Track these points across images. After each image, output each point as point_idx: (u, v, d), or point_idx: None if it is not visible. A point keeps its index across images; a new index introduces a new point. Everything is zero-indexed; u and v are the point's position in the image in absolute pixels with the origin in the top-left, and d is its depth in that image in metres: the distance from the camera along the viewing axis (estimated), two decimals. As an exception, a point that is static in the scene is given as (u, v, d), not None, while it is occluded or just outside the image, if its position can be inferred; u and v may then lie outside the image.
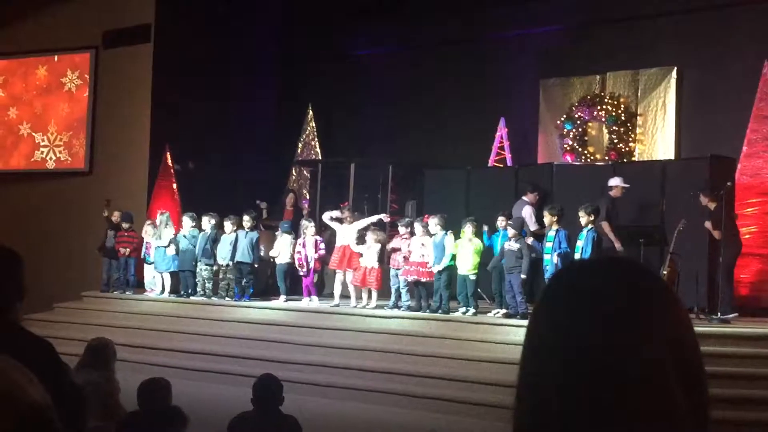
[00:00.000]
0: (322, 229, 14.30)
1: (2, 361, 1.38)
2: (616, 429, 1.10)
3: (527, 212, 12.87)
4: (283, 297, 13.63)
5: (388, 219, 13.91)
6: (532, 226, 12.65)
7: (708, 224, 11.40)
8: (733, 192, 11.99)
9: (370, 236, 12.79)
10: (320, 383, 10.94)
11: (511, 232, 11.54)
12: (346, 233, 13.15)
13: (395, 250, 12.56)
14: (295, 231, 13.81)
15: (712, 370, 8.54)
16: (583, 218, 10.96)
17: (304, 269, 13.26)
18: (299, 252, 13.24)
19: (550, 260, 10.92)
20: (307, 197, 17.77)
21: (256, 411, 5.61)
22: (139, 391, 5.54)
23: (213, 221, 14.06)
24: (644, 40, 15.21)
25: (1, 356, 1.40)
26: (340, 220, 13.36)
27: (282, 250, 13.58)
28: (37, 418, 1.34)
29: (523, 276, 11.27)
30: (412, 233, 12.41)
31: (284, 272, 13.64)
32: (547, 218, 11.27)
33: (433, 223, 12.09)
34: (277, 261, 13.71)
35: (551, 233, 11.11)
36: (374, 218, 13.56)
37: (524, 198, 13.18)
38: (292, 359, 11.51)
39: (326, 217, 13.61)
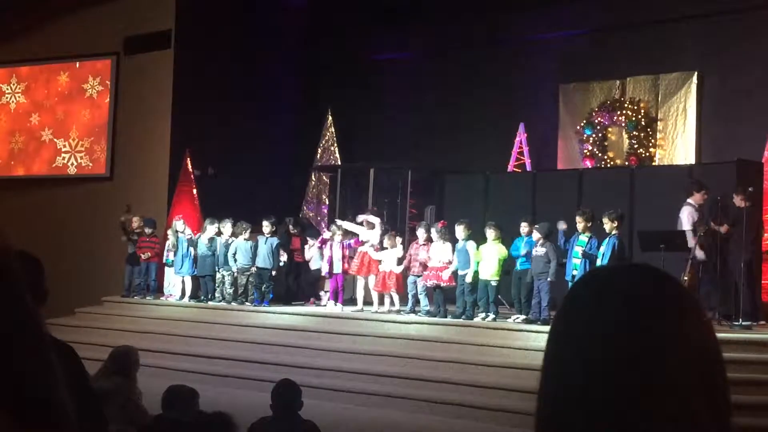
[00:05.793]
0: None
1: None
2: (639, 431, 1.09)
3: (685, 213, 11.60)
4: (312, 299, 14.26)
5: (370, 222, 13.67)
6: (687, 226, 11.44)
7: (712, 224, 11.15)
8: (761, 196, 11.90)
9: (387, 241, 12.80)
10: (339, 388, 10.93)
11: (536, 236, 11.49)
12: (364, 240, 13.18)
13: (413, 256, 12.52)
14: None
15: (735, 376, 8.49)
16: (607, 224, 10.88)
17: (329, 271, 13.37)
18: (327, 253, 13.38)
19: (580, 265, 10.85)
20: (326, 202, 17.78)
21: (275, 416, 5.62)
22: (164, 397, 5.56)
23: (231, 227, 14.10)
24: (664, 44, 15.14)
25: None
26: (371, 225, 13.31)
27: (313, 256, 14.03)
28: None
29: (550, 279, 11.23)
30: (428, 239, 12.41)
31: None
32: (581, 224, 11.19)
33: (459, 229, 12.05)
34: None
35: (583, 238, 11.05)
36: (365, 218, 13.52)
37: (689, 200, 11.74)
38: (311, 364, 11.51)
39: (348, 224, 13.58)
